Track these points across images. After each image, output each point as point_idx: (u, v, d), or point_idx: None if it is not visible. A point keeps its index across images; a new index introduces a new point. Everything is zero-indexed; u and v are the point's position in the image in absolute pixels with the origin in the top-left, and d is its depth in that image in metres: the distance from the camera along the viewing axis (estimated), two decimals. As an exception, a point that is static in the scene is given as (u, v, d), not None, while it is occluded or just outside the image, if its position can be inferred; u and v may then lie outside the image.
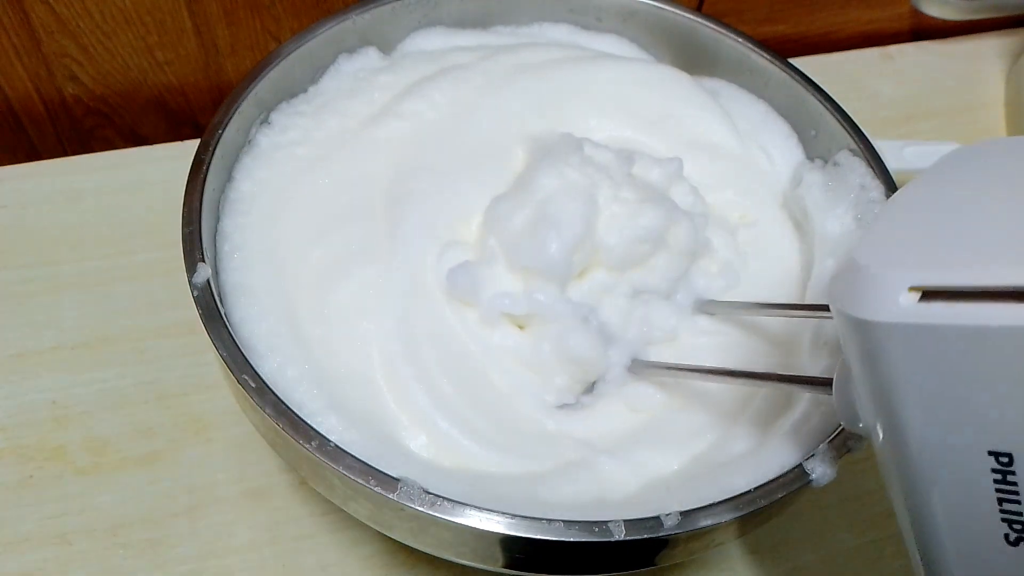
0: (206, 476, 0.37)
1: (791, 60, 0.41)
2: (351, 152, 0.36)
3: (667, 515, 0.26)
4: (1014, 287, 0.18)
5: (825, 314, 0.30)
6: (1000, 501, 0.20)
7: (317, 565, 0.35)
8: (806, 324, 0.34)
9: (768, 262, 0.37)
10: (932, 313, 0.19)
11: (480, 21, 0.43)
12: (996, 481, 0.20)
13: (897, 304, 0.19)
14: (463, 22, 0.43)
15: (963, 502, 0.21)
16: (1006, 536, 0.20)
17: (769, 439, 0.30)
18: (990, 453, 0.19)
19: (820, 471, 0.27)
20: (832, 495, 0.38)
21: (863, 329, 0.20)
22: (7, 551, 0.34)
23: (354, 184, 0.35)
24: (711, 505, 0.26)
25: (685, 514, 0.26)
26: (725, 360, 0.34)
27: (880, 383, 0.21)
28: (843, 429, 0.28)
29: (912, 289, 0.19)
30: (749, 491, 0.26)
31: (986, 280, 0.18)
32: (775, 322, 0.35)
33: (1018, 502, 0.20)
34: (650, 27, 0.44)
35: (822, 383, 0.26)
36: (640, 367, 0.33)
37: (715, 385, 0.33)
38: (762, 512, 0.27)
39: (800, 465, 0.27)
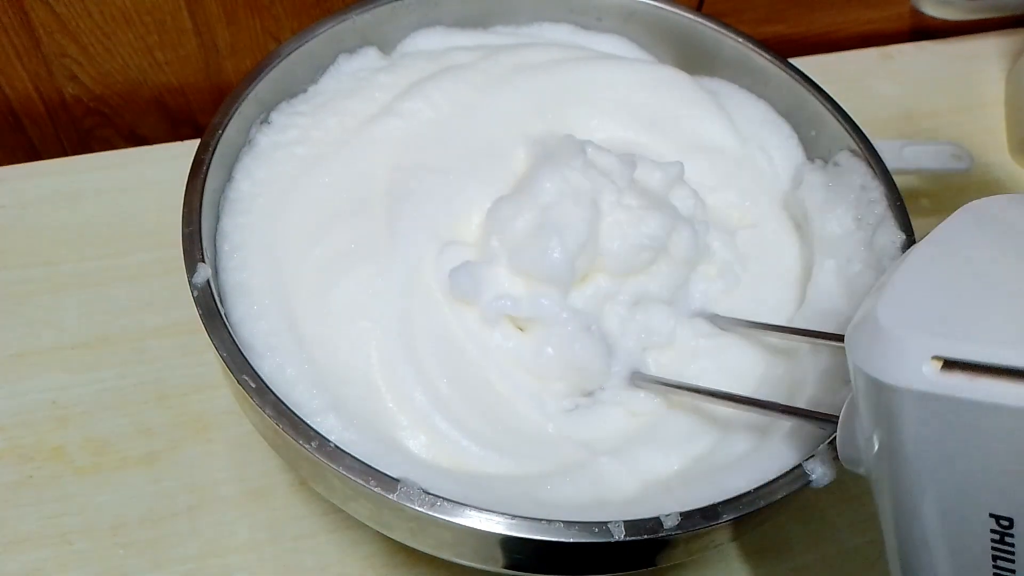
0: (206, 476, 0.37)
1: (791, 60, 0.41)
2: (350, 152, 0.36)
3: (667, 516, 0.26)
4: None
5: (831, 342, 0.30)
6: (995, 558, 0.20)
7: (317, 565, 0.35)
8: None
9: (768, 263, 0.37)
10: (953, 385, 0.19)
11: (480, 21, 0.43)
12: (994, 541, 0.20)
13: (920, 373, 0.20)
14: (463, 22, 0.43)
15: (958, 553, 0.21)
16: None
17: (769, 440, 0.30)
18: (991, 515, 0.20)
19: (820, 472, 0.27)
20: (832, 495, 0.38)
21: (883, 390, 0.21)
22: (7, 551, 0.34)
23: (353, 183, 0.35)
24: (711, 506, 0.26)
25: (685, 515, 0.26)
26: (724, 363, 0.34)
27: (892, 441, 0.21)
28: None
29: (935, 359, 0.20)
30: (749, 492, 0.26)
31: (1011, 360, 0.19)
32: (771, 292, 0.35)
33: (1012, 561, 0.20)
34: (650, 27, 0.44)
35: (826, 418, 0.26)
36: (641, 380, 0.33)
37: (719, 383, 0.33)
38: (762, 513, 0.27)
39: (800, 466, 0.27)
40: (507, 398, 0.32)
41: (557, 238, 0.31)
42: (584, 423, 0.32)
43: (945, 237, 0.24)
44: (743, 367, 0.33)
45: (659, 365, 0.34)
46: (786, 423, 0.30)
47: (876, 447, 0.22)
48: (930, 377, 0.20)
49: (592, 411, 0.32)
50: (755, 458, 0.29)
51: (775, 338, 0.34)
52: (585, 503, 0.29)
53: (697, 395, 0.31)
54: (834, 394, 0.30)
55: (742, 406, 0.30)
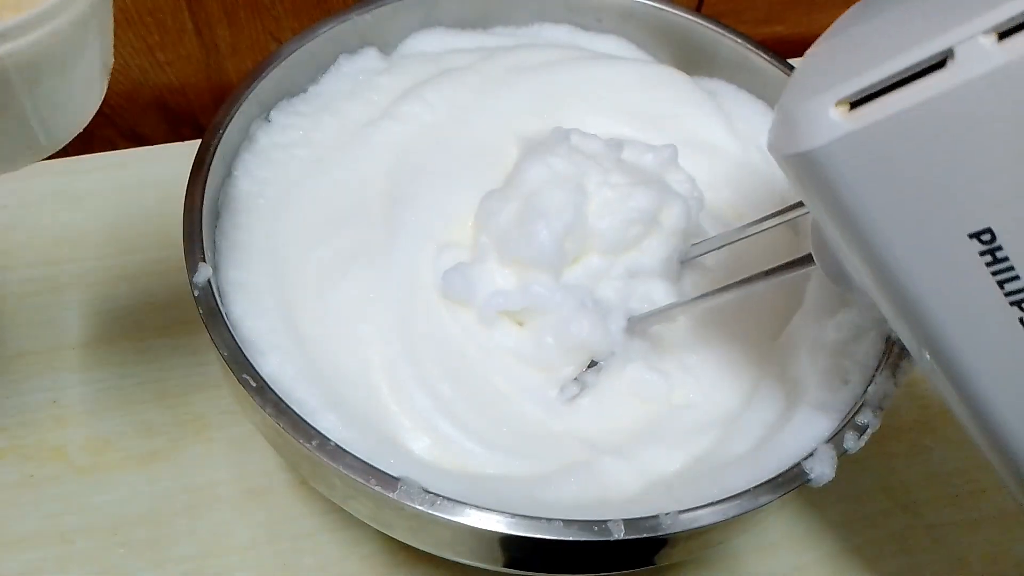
0: (206, 475, 0.37)
1: (790, 60, 0.41)
2: (349, 154, 0.36)
3: (666, 514, 0.26)
4: (922, 61, 0.19)
5: (799, 211, 0.29)
6: (1001, 284, 0.20)
7: (317, 564, 0.35)
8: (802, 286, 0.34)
9: (766, 263, 0.37)
10: (866, 115, 0.19)
11: (480, 22, 0.43)
12: (988, 264, 0.20)
13: (829, 122, 0.20)
14: (463, 23, 0.43)
15: (969, 305, 0.21)
16: (1021, 320, 0.20)
17: (770, 439, 0.30)
18: (970, 236, 0.20)
19: (819, 471, 0.27)
20: (831, 495, 0.38)
21: (809, 162, 0.20)
22: (7, 550, 0.34)
23: (352, 186, 0.36)
24: (710, 504, 0.26)
25: (684, 513, 0.26)
26: (722, 359, 0.34)
27: (843, 211, 0.21)
28: (842, 429, 0.28)
29: (839, 104, 0.20)
30: (748, 490, 0.27)
31: (899, 64, 0.19)
32: (772, 293, 0.35)
33: (1017, 276, 0.20)
34: (649, 27, 0.44)
35: (803, 260, 0.26)
36: (637, 323, 0.33)
37: (717, 385, 0.33)
38: (761, 511, 0.27)
39: (799, 465, 0.27)
40: (510, 398, 0.32)
41: (543, 221, 0.32)
42: (588, 420, 0.32)
43: (830, 31, 0.24)
44: (741, 364, 0.33)
45: (651, 361, 0.33)
46: (786, 423, 0.30)
47: (840, 234, 0.22)
48: (841, 120, 0.20)
49: (597, 406, 0.32)
50: (756, 457, 0.29)
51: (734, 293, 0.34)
52: (587, 502, 0.29)
53: (690, 305, 0.31)
54: (834, 394, 0.30)
55: (730, 292, 0.30)
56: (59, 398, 0.38)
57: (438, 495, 0.26)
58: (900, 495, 0.39)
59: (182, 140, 0.48)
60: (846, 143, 0.20)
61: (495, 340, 0.33)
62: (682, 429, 0.32)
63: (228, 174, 0.35)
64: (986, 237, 0.20)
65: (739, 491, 0.27)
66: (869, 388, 0.29)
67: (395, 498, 0.26)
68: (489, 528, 0.25)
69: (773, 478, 0.27)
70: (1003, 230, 0.20)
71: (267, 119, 0.37)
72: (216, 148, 0.33)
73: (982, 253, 0.20)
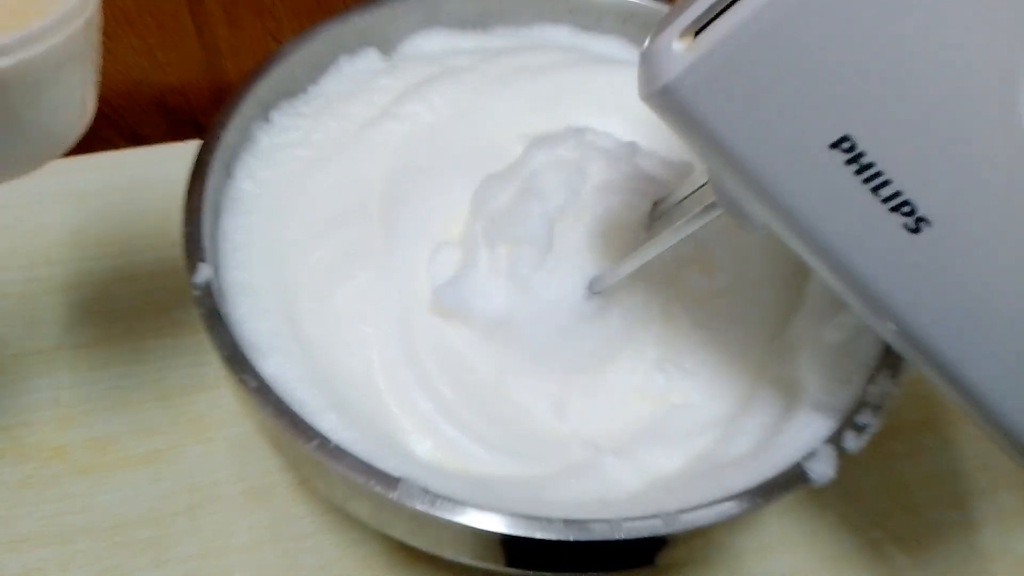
0: (206, 475, 0.37)
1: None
2: (349, 155, 0.36)
3: (666, 514, 0.26)
4: None
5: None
6: (875, 191, 0.20)
7: (317, 564, 0.35)
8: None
9: (767, 264, 0.37)
10: (703, 41, 0.20)
11: (480, 22, 0.43)
12: (856, 173, 0.20)
13: (675, 54, 0.20)
14: (463, 23, 0.43)
15: (853, 220, 0.21)
16: (905, 226, 0.20)
17: (770, 439, 0.30)
18: (831, 147, 0.20)
19: (819, 471, 0.27)
20: (831, 494, 0.38)
21: (666, 98, 0.21)
22: (8, 550, 0.34)
23: (352, 187, 0.36)
24: (710, 504, 0.26)
25: (684, 513, 0.26)
26: (720, 360, 0.33)
27: (711, 141, 0.21)
28: (843, 429, 0.28)
29: (682, 36, 0.20)
30: (748, 490, 0.27)
31: None
32: (771, 292, 0.35)
33: (887, 181, 0.20)
34: (650, 28, 0.44)
35: (710, 205, 0.26)
36: (598, 283, 0.32)
37: (718, 385, 0.33)
38: (761, 512, 0.27)
39: (799, 465, 0.27)
40: (512, 399, 0.32)
41: (536, 201, 0.31)
42: (590, 421, 0.32)
43: None
44: (739, 366, 0.33)
45: (650, 360, 0.33)
46: (787, 423, 0.30)
47: (719, 168, 0.22)
48: (685, 50, 0.20)
49: (598, 404, 0.32)
50: (756, 457, 0.29)
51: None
52: (589, 502, 0.29)
53: (644, 254, 0.30)
54: (834, 394, 0.30)
55: (661, 240, 0.29)
56: (59, 398, 0.38)
57: (438, 495, 0.26)
58: (901, 495, 0.39)
59: (182, 140, 0.48)
60: (694, 72, 0.20)
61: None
62: (682, 429, 0.32)
63: (228, 174, 0.35)
64: (846, 145, 0.20)
65: (739, 491, 0.27)
66: (869, 388, 0.29)
67: (395, 498, 0.26)
68: (489, 528, 0.25)
69: (773, 478, 0.27)
70: (860, 135, 0.20)
71: (267, 119, 0.37)
72: (216, 148, 0.33)
73: (848, 163, 0.20)
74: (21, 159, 0.25)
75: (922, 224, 0.20)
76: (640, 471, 0.30)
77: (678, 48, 0.20)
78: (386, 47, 0.42)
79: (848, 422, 0.28)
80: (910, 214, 0.20)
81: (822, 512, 0.38)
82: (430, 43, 0.42)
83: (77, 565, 0.34)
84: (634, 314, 0.34)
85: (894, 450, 0.40)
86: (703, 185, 0.31)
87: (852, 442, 0.28)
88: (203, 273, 0.30)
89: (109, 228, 0.44)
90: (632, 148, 0.35)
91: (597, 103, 0.40)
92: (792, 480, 0.27)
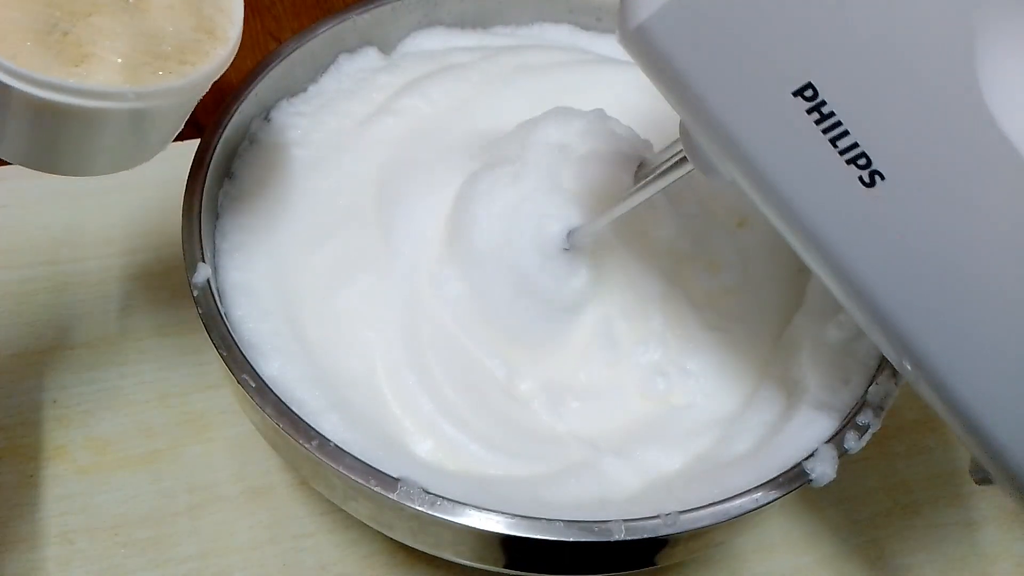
0: (206, 475, 0.37)
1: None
2: (348, 153, 0.36)
3: (667, 515, 0.26)
4: None
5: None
6: (834, 143, 0.20)
7: (317, 564, 0.35)
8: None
9: (769, 264, 0.37)
10: None
11: (480, 21, 0.43)
12: (817, 122, 0.20)
13: None
14: (463, 22, 0.43)
15: (810, 170, 0.21)
16: (860, 179, 0.21)
17: (770, 438, 0.30)
18: (795, 95, 0.20)
19: (820, 471, 0.27)
20: (832, 495, 0.38)
21: (641, 37, 0.21)
22: (9, 550, 0.34)
23: (351, 187, 0.35)
24: (710, 504, 0.26)
25: (684, 514, 0.26)
26: (722, 361, 0.33)
27: (681, 84, 0.21)
28: (844, 429, 0.28)
29: None
30: (749, 491, 0.27)
31: None
32: (774, 292, 0.35)
33: (846, 132, 0.20)
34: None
35: (680, 160, 0.26)
36: (577, 236, 0.32)
37: (719, 385, 0.33)
38: (761, 512, 0.27)
39: (800, 465, 0.27)
40: (512, 399, 0.32)
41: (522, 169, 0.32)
42: (590, 421, 0.32)
43: None
44: (741, 366, 0.33)
45: (653, 362, 0.33)
46: (787, 423, 0.30)
47: (687, 115, 0.22)
48: None
49: (599, 405, 0.32)
50: (756, 457, 0.29)
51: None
52: (588, 502, 0.29)
53: (622, 205, 0.30)
54: (835, 394, 0.30)
55: (635, 195, 0.29)
56: (59, 398, 0.38)
57: (438, 496, 0.26)
58: (901, 495, 0.39)
59: (182, 140, 0.48)
60: (668, 11, 0.20)
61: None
62: (683, 430, 0.32)
63: (228, 174, 0.35)
64: (809, 93, 0.20)
65: (740, 491, 0.27)
66: (870, 388, 0.29)
67: (395, 499, 0.26)
68: (489, 529, 0.25)
69: (774, 478, 0.27)
70: (824, 84, 0.20)
71: (267, 119, 0.37)
72: (216, 148, 0.33)
73: (809, 111, 0.20)
74: (129, 163, 0.28)
75: (876, 178, 0.21)
76: (640, 471, 0.30)
77: None
78: (386, 46, 0.42)
79: (849, 422, 0.28)
80: (866, 167, 0.20)
81: (822, 512, 0.38)
82: (430, 42, 0.42)
83: (77, 565, 0.34)
84: (615, 284, 0.34)
85: (894, 450, 0.40)
86: (677, 144, 0.31)
87: (853, 442, 0.28)
88: (202, 272, 0.30)
89: (109, 227, 0.44)
90: (612, 120, 0.35)
91: (598, 102, 0.40)
92: (793, 480, 0.27)
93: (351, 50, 0.40)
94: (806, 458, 0.27)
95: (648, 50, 0.21)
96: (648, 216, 0.35)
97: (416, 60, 0.41)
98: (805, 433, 0.29)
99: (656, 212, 0.35)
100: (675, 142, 0.31)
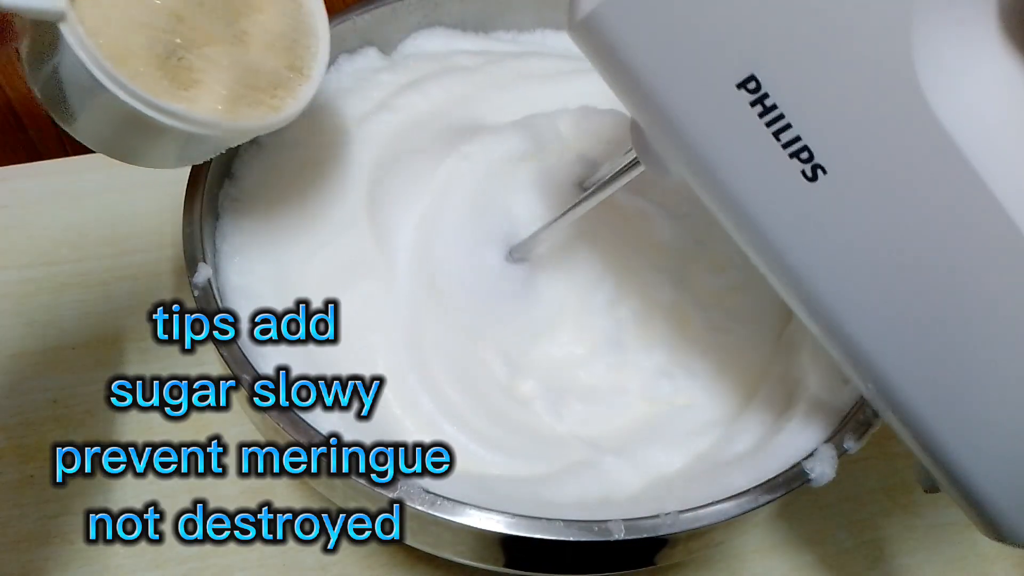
0: (207, 475, 0.37)
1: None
2: (346, 152, 0.36)
3: (666, 514, 0.26)
4: None
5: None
6: (777, 136, 0.20)
7: (317, 565, 0.35)
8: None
9: (755, 275, 0.37)
10: None
11: (481, 25, 0.43)
12: (760, 115, 0.20)
13: None
14: (464, 25, 0.43)
15: (755, 164, 0.21)
16: (803, 173, 0.21)
17: (771, 437, 0.30)
18: (738, 87, 0.20)
19: (819, 471, 0.27)
20: (831, 495, 0.38)
21: (587, 29, 0.21)
22: (9, 550, 0.34)
23: (350, 186, 0.35)
24: (709, 504, 0.26)
25: (683, 513, 0.26)
26: (725, 360, 0.33)
27: (628, 76, 0.21)
28: (843, 429, 0.28)
29: None
30: (748, 490, 0.27)
31: None
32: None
33: (788, 125, 0.20)
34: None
35: (632, 163, 0.26)
36: (517, 251, 0.33)
37: (720, 385, 0.33)
38: (761, 511, 0.27)
39: (799, 465, 0.27)
40: (513, 400, 0.32)
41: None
42: (592, 421, 0.32)
43: None
44: (742, 365, 0.33)
45: (659, 363, 0.33)
46: (788, 421, 0.30)
47: (635, 109, 0.22)
48: None
49: (602, 406, 0.32)
50: (757, 456, 0.29)
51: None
52: (589, 502, 0.29)
53: (561, 220, 0.31)
54: (835, 392, 0.30)
55: (583, 203, 0.30)
56: (59, 398, 0.38)
57: (438, 495, 0.26)
58: (901, 495, 0.39)
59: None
60: (616, 1, 0.20)
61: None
62: (685, 430, 0.32)
63: (228, 174, 0.35)
64: (752, 85, 0.20)
65: (739, 491, 0.27)
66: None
67: (395, 499, 0.26)
68: (489, 528, 0.25)
69: (773, 478, 0.27)
70: (767, 76, 0.20)
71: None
72: (216, 148, 0.33)
73: (753, 104, 0.20)
74: (178, 165, 0.30)
75: (819, 172, 0.21)
76: (641, 470, 0.30)
77: None
78: (386, 46, 0.42)
79: (848, 422, 0.28)
80: (808, 160, 0.20)
81: (822, 512, 0.38)
82: (431, 43, 0.42)
83: (78, 565, 0.34)
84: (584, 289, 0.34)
85: (894, 450, 0.40)
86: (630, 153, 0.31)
87: (852, 442, 0.28)
88: (203, 273, 0.30)
89: (110, 228, 0.44)
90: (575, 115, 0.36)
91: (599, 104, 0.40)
92: (792, 480, 0.27)
93: (351, 50, 0.40)
94: (805, 458, 0.27)
95: (595, 41, 0.21)
96: (643, 224, 0.35)
97: (418, 60, 0.41)
98: (805, 432, 0.29)
99: (649, 219, 0.35)
100: (628, 151, 0.31)
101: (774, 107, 0.20)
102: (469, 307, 0.33)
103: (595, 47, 0.21)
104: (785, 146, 0.21)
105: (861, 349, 0.23)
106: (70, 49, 0.23)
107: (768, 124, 0.20)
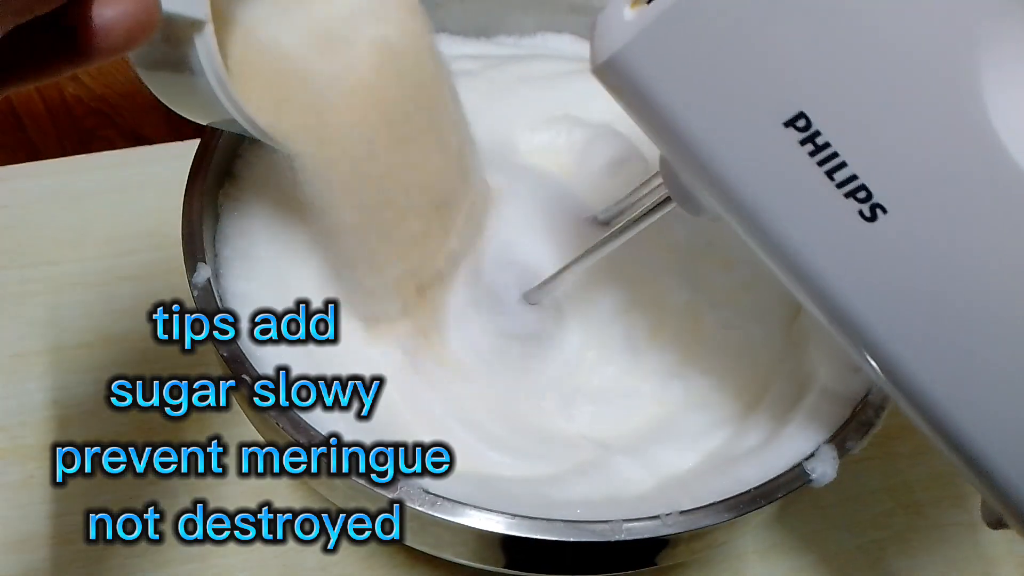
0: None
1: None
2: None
3: (667, 515, 0.26)
4: None
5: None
6: (830, 175, 0.19)
7: (317, 565, 0.35)
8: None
9: (763, 271, 0.37)
10: (654, 8, 0.19)
11: (483, 31, 0.44)
12: (811, 154, 0.19)
13: (624, 23, 0.19)
14: (466, 30, 0.43)
15: (803, 206, 0.20)
16: (860, 213, 0.19)
17: (780, 429, 0.29)
18: (786, 125, 0.19)
19: (820, 471, 0.27)
20: (832, 495, 0.38)
21: (614, 71, 0.20)
22: (9, 550, 0.34)
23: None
24: (710, 505, 0.26)
25: (684, 514, 0.26)
26: (737, 354, 0.33)
27: (659, 117, 0.20)
28: (843, 428, 0.28)
29: (633, 4, 0.19)
30: (748, 491, 0.26)
31: None
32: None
33: (844, 164, 0.19)
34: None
35: (663, 200, 0.25)
36: (532, 295, 0.32)
37: (737, 381, 0.33)
38: (762, 512, 0.27)
39: (800, 465, 0.27)
40: (522, 401, 0.32)
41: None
42: (601, 422, 0.32)
43: None
44: (754, 362, 0.33)
45: (671, 364, 0.33)
46: (797, 416, 0.30)
47: (668, 150, 0.21)
48: (635, 18, 0.19)
49: (615, 409, 0.32)
50: (768, 448, 0.28)
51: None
52: (598, 501, 0.28)
53: (577, 265, 0.30)
54: (846, 383, 0.30)
55: (607, 244, 0.29)
56: (60, 398, 0.38)
57: (438, 496, 0.26)
58: (903, 496, 0.39)
59: (183, 139, 0.48)
60: (643, 40, 0.19)
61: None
62: (698, 429, 0.31)
63: (229, 174, 0.35)
64: (801, 123, 0.19)
65: (739, 492, 0.26)
66: (872, 388, 0.29)
67: (395, 499, 0.26)
68: (489, 529, 0.25)
69: (775, 478, 0.27)
70: (817, 113, 0.19)
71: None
72: (216, 148, 0.33)
73: (802, 142, 0.19)
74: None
75: (878, 211, 0.19)
76: (652, 470, 0.30)
77: (629, 16, 0.19)
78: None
79: (851, 422, 0.28)
80: (866, 200, 0.19)
81: (823, 512, 0.38)
82: (435, 47, 0.42)
83: (78, 566, 0.34)
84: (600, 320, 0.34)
85: (896, 450, 0.40)
86: (653, 182, 0.30)
87: (854, 442, 0.28)
88: (203, 274, 0.30)
89: (110, 228, 0.44)
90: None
91: (602, 111, 0.40)
92: (794, 480, 0.27)
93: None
94: (807, 458, 0.27)
95: (621, 83, 0.20)
96: (656, 227, 0.35)
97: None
98: (815, 423, 0.28)
99: (662, 222, 0.35)
100: (644, 183, 0.30)
101: (826, 145, 0.19)
102: None
103: (622, 89, 0.20)
104: (839, 185, 0.19)
105: (926, 399, 0.21)
106: (196, 56, 0.23)
107: (820, 163, 0.19)
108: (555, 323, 0.34)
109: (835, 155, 0.19)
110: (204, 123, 0.28)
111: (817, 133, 0.19)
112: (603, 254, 0.29)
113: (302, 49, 0.27)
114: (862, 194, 0.19)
